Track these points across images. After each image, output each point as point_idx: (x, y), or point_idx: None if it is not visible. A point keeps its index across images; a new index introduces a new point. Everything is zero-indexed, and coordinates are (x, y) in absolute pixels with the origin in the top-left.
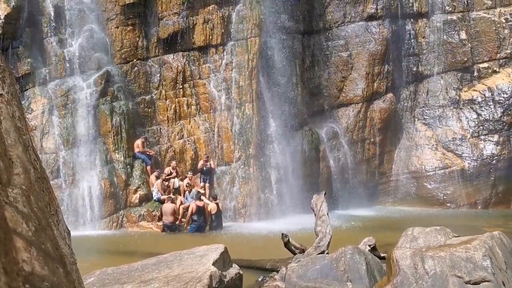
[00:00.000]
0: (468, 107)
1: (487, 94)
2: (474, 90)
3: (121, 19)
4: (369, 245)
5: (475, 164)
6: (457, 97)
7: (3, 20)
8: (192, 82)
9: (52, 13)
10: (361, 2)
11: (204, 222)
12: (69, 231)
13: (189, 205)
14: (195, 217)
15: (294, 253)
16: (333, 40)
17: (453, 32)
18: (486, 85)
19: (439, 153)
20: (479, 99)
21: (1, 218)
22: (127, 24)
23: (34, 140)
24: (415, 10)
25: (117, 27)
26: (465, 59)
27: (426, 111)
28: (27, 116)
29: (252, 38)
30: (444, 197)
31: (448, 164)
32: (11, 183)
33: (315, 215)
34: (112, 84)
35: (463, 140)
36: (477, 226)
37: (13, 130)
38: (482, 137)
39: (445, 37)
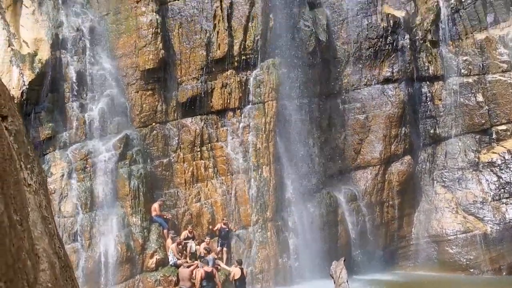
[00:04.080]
0: (488, 169)
1: (507, 156)
2: (493, 153)
3: (141, 84)
4: None
5: (498, 228)
6: (476, 159)
7: (27, 86)
8: (209, 145)
9: (75, 79)
10: (376, 66)
11: None
12: None
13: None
14: (204, 283)
15: None
16: (349, 102)
17: (470, 95)
18: (505, 147)
19: (460, 217)
20: (499, 162)
21: None
22: (146, 88)
23: (52, 204)
24: (430, 73)
25: (137, 92)
26: (483, 121)
27: (445, 173)
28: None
29: (269, 102)
30: (467, 263)
31: (469, 228)
32: (37, 281)
33: (334, 282)
34: (131, 148)
35: (484, 204)
36: None
37: (40, 222)
38: (504, 200)
39: (461, 99)
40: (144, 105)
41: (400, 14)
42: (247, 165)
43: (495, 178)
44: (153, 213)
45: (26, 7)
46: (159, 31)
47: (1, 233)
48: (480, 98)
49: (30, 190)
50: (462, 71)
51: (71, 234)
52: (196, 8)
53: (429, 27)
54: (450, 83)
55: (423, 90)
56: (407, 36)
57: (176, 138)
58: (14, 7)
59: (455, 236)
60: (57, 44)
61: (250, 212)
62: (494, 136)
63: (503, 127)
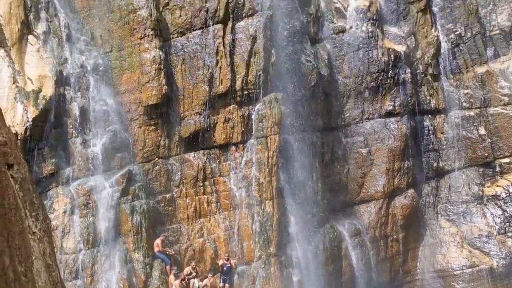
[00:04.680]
0: (493, 203)
1: (511, 189)
2: (498, 186)
3: (144, 119)
4: None
5: (504, 262)
6: (480, 192)
7: (31, 123)
8: (212, 179)
9: (78, 115)
10: (378, 99)
11: None
12: None
13: None
14: None
15: None
16: (352, 136)
17: (472, 128)
18: (509, 180)
19: (465, 251)
20: (503, 195)
21: None
22: (149, 124)
23: (54, 240)
24: (432, 106)
25: (140, 127)
26: (486, 154)
27: (449, 207)
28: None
29: (271, 136)
30: None
31: (475, 263)
32: None
33: None
34: (134, 183)
35: (490, 237)
36: None
37: (43, 270)
38: (509, 234)
39: (464, 132)
40: (147, 140)
41: (400, 48)
42: (250, 199)
43: (500, 212)
44: (156, 249)
45: (31, 44)
46: (162, 67)
47: (7, 287)
48: (482, 131)
49: (34, 238)
50: (464, 104)
51: (73, 271)
52: (199, 45)
53: (430, 61)
54: (452, 116)
55: (425, 123)
56: (408, 70)
57: (179, 173)
58: (19, 44)
59: (461, 271)
60: (61, 80)
61: (253, 248)
62: (497, 169)
63: (507, 160)
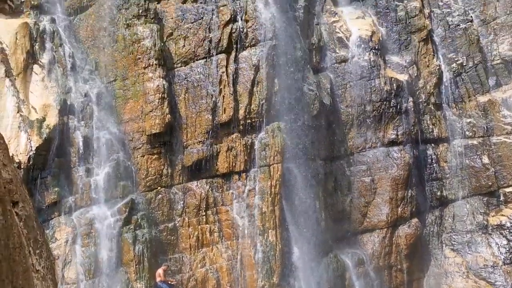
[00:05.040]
0: (498, 232)
1: None
2: (502, 215)
3: (147, 148)
4: None
5: None
6: (485, 222)
7: (35, 151)
8: (215, 208)
9: (81, 144)
10: (381, 128)
11: None
12: None
13: None
14: None
15: None
16: (355, 165)
17: (475, 157)
18: None
19: (470, 281)
20: (508, 224)
21: None
22: (152, 152)
23: (55, 270)
24: (435, 135)
25: (143, 156)
26: (490, 183)
27: (454, 236)
28: (50, 246)
29: (274, 165)
30: None
31: None
32: None
33: None
34: (136, 212)
35: (495, 268)
36: None
37: None
38: None
39: (467, 161)
40: (150, 169)
41: (403, 77)
42: (253, 229)
43: (505, 242)
44: (158, 279)
45: (36, 74)
46: (165, 96)
47: None
48: (485, 160)
49: (38, 276)
50: (467, 133)
51: None
52: (202, 74)
53: (432, 90)
54: (455, 145)
55: (428, 152)
56: (410, 99)
57: (181, 202)
58: (24, 74)
59: None
60: (65, 109)
61: (256, 278)
62: (501, 198)
63: (510, 189)
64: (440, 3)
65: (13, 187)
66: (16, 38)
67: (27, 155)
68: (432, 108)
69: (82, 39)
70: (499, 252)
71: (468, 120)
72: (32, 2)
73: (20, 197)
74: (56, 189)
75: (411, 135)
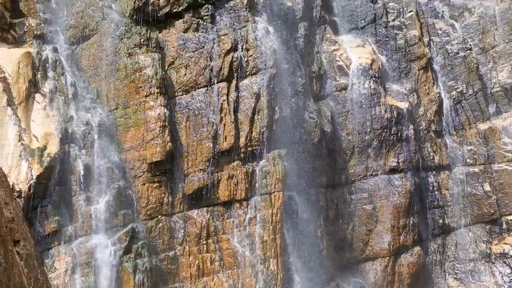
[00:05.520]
0: (501, 261)
1: None
2: (505, 243)
3: (148, 176)
4: None
5: None
6: (488, 250)
7: (35, 180)
8: (216, 237)
9: (82, 172)
10: (382, 156)
11: None
12: None
13: None
14: None
15: None
16: (356, 193)
17: (477, 184)
18: None
19: None
20: (511, 253)
21: None
22: (153, 181)
23: None
24: (436, 162)
25: (144, 184)
26: (492, 211)
27: (457, 265)
28: (49, 276)
29: (275, 193)
30: None
31: None
32: None
33: None
34: (137, 241)
35: None
36: None
37: None
38: None
39: (469, 189)
40: (151, 197)
41: (403, 105)
42: (254, 258)
43: (508, 270)
44: None
45: (38, 102)
46: (166, 124)
47: None
48: (487, 187)
49: None
50: (468, 160)
51: None
52: (204, 102)
53: (432, 118)
54: (456, 173)
55: (429, 179)
56: (411, 127)
57: (182, 231)
58: (26, 103)
59: None
60: (66, 138)
61: None
62: (504, 226)
63: None
64: (439, 32)
65: (14, 225)
66: (19, 67)
67: (27, 184)
68: (433, 135)
69: (84, 68)
70: (502, 281)
71: (469, 148)
72: (35, 32)
73: (21, 236)
74: (56, 218)
75: (412, 162)
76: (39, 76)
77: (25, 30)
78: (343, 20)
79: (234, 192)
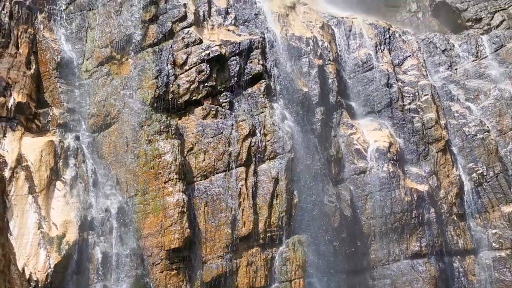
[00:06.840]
0: None
1: None
2: None
3: (166, 264)
4: None
5: None
6: None
7: (53, 269)
8: None
9: (100, 260)
10: (404, 240)
11: None
12: None
13: None
14: None
15: None
16: (379, 279)
17: (504, 269)
18: None
19: None
20: None
21: None
22: (171, 268)
23: None
24: (460, 246)
25: (162, 272)
26: None
27: None
28: None
29: (296, 280)
30: None
31: None
32: None
33: None
34: None
35: None
36: None
37: None
38: None
39: (496, 274)
40: (169, 285)
41: (423, 188)
42: None
43: None
44: None
45: (58, 190)
46: (185, 210)
47: None
48: None
49: None
50: (493, 244)
51: None
52: (222, 187)
53: (453, 200)
54: (482, 258)
55: (454, 265)
56: (432, 210)
57: None
58: (47, 191)
59: None
60: (85, 225)
61: None
62: None
63: None
64: (456, 114)
65: None
66: (41, 156)
67: (45, 273)
68: (455, 218)
69: (105, 155)
70: None
71: (494, 231)
72: (58, 121)
73: None
74: None
75: (435, 247)
76: (60, 164)
77: (49, 119)
78: (359, 104)
79: (254, 280)
